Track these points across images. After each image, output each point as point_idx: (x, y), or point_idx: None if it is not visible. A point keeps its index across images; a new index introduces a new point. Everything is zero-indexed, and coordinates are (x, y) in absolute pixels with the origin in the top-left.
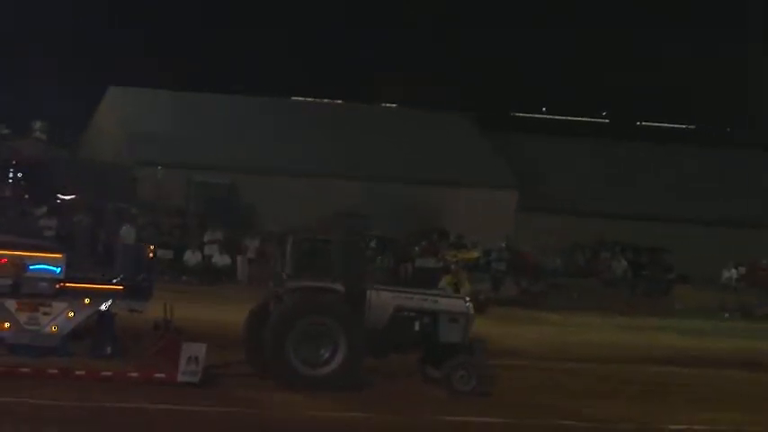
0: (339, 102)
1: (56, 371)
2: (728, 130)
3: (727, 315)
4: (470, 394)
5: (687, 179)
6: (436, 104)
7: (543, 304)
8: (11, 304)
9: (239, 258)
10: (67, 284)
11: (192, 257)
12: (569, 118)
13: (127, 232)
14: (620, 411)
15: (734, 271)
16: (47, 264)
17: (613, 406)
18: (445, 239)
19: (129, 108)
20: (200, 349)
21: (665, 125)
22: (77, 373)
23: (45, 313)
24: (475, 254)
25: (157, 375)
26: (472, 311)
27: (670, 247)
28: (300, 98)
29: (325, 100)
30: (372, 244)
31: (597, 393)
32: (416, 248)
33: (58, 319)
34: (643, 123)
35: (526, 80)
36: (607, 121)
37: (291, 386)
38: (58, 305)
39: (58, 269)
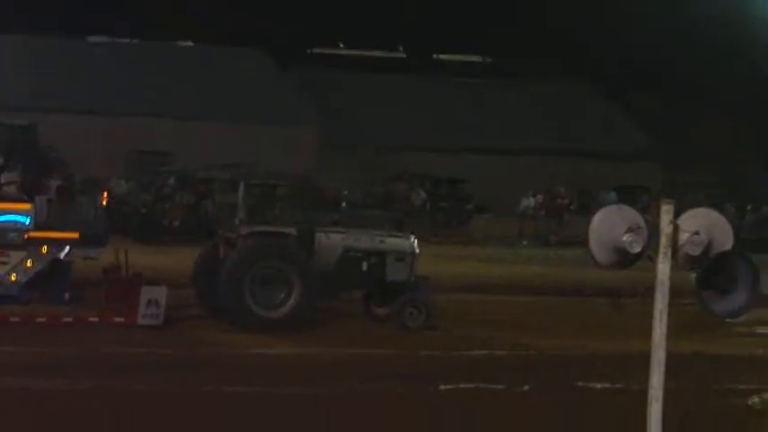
0: (135, 41)
1: (17, 318)
2: (525, 61)
3: (525, 243)
4: (420, 329)
5: (485, 110)
6: (232, 42)
7: None
8: None
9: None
10: (33, 234)
11: None
12: (367, 53)
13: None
14: (441, 338)
15: (531, 200)
16: (15, 214)
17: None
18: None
19: None
20: (160, 292)
21: (462, 58)
22: (38, 320)
23: (3, 263)
24: None
25: (117, 320)
26: (417, 250)
27: (469, 178)
28: (97, 38)
29: (123, 39)
30: (171, 181)
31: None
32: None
33: (17, 269)
34: (440, 56)
35: (324, 16)
36: (404, 55)
37: (249, 328)
38: (15, 254)
39: (27, 219)
